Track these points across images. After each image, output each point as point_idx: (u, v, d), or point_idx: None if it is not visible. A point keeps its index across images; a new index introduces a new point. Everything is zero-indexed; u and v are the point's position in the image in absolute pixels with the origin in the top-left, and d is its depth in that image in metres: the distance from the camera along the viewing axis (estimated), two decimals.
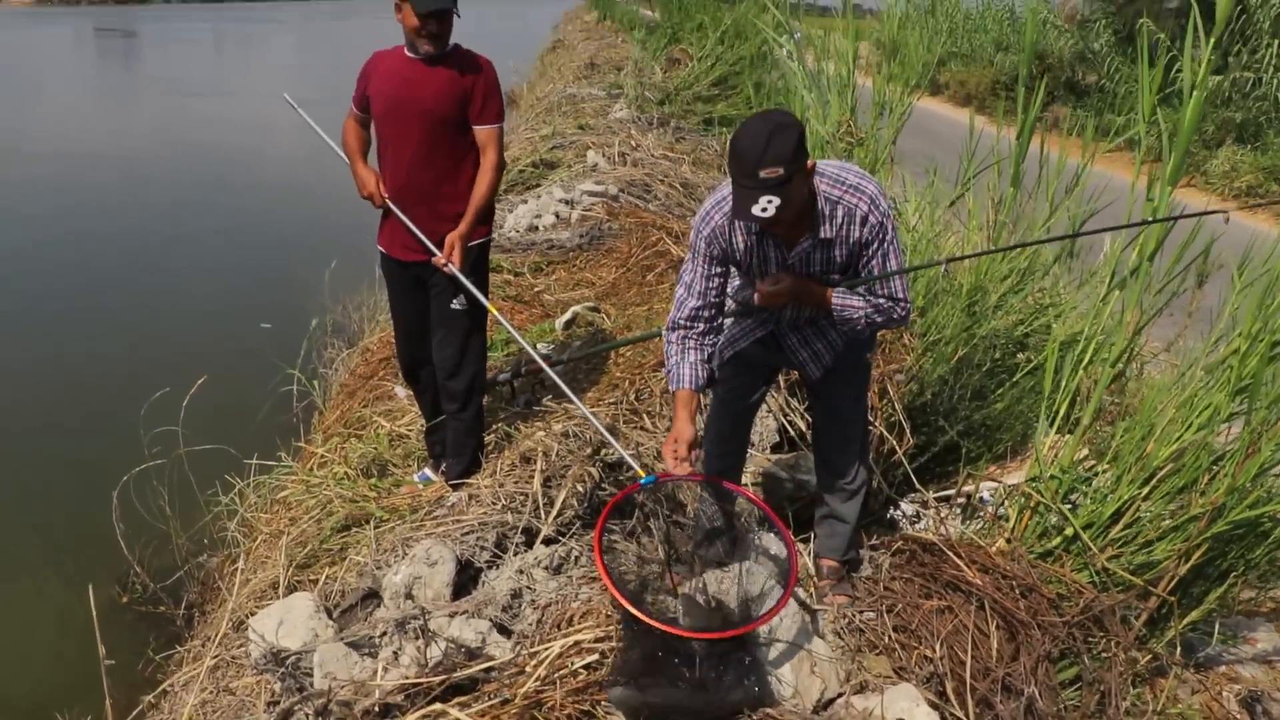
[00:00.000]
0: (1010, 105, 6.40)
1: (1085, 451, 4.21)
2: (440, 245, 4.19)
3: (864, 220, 3.14)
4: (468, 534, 3.77)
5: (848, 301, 3.26)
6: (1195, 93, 3.65)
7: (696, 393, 3.36)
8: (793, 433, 4.80)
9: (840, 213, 3.14)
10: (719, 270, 3.30)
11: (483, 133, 4.23)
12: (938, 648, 3.47)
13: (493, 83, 4.24)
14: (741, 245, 3.24)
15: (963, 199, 6.26)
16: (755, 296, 3.25)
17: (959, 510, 4.59)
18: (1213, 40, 3.73)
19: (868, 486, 3.92)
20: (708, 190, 9.21)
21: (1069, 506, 3.86)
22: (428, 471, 4.74)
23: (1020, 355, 5.83)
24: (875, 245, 3.18)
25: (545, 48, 26.99)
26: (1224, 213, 3.89)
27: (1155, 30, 17.79)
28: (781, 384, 4.90)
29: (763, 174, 2.86)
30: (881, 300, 3.26)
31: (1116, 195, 4.80)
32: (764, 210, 2.87)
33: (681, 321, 3.36)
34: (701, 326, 3.35)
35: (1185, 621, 3.72)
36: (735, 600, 3.31)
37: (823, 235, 3.16)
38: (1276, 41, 16.91)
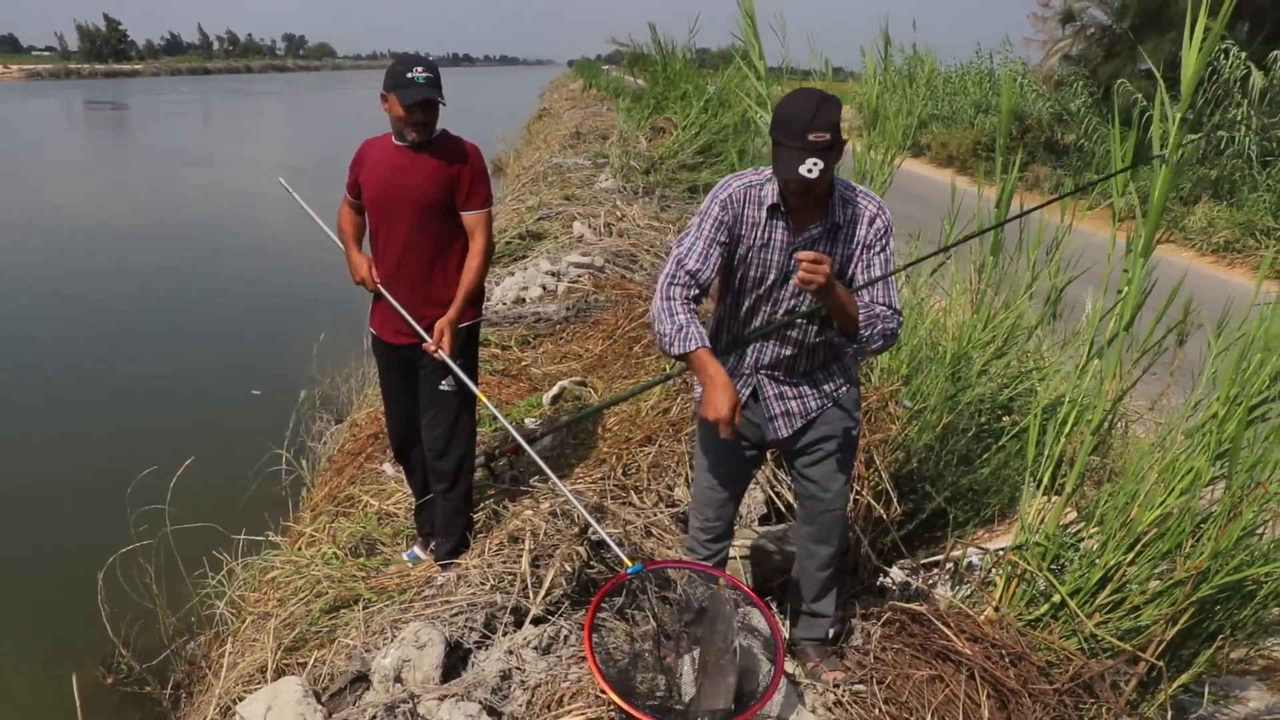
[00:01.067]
0: (991, 165, 6.48)
1: (1071, 515, 4.23)
2: (430, 329, 4.24)
3: (871, 221, 3.24)
4: (456, 615, 3.76)
5: (868, 304, 3.25)
6: (1164, 168, 3.72)
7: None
8: (780, 505, 4.80)
9: (850, 210, 3.24)
10: (723, 241, 3.25)
11: (470, 218, 4.29)
12: (929, 718, 3.47)
13: (480, 169, 4.30)
14: (750, 219, 3.25)
15: (945, 265, 6.33)
16: (797, 277, 3.01)
17: (948, 576, 4.59)
18: (1179, 115, 3.81)
19: (852, 559, 3.93)
20: None
21: (1055, 572, 3.87)
22: (416, 550, 4.74)
23: (1005, 419, 5.85)
24: (878, 249, 3.25)
25: (532, 116, 27.30)
26: (1048, 203, 3.93)
27: (1132, 90, 18.10)
28: (769, 457, 4.92)
29: (811, 137, 2.96)
30: (886, 309, 3.29)
31: (1097, 255, 4.88)
32: (809, 171, 2.96)
33: (682, 278, 3.23)
34: (696, 292, 3.25)
35: (1175, 685, 3.72)
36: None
37: (835, 220, 3.21)
38: (1245, 101, 17.20)
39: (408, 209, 4.21)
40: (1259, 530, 3.83)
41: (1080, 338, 6.09)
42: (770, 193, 3.23)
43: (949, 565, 4.65)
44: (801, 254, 2.99)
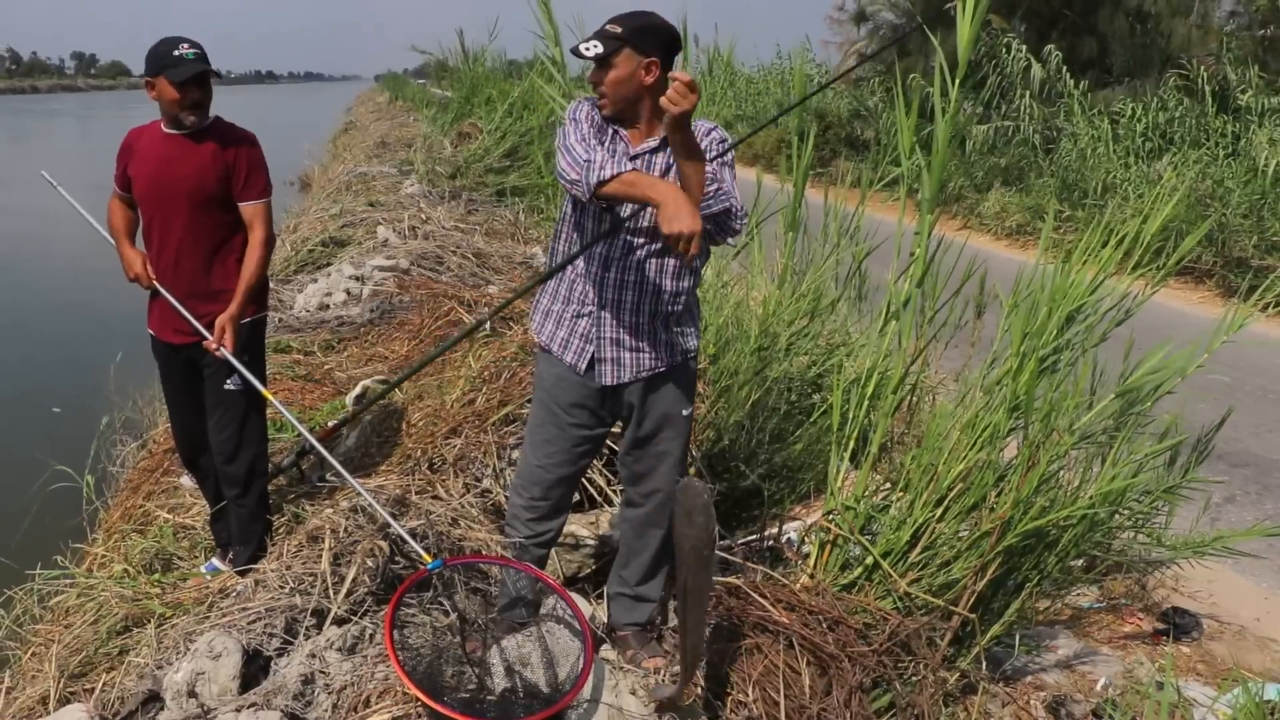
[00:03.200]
0: (786, 162, 6.59)
1: (880, 481, 4.27)
2: (211, 327, 3.98)
3: (707, 134, 3.23)
4: (254, 621, 3.53)
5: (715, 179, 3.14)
6: (945, 119, 3.79)
7: None
8: (591, 490, 4.71)
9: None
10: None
11: (248, 209, 4.06)
12: (750, 691, 3.42)
13: (256, 157, 4.07)
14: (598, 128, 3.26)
15: (749, 249, 6.40)
16: (665, 98, 2.84)
17: (766, 555, 4.58)
18: (958, 79, 3.90)
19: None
20: (502, 259, 9.19)
21: (868, 537, 3.90)
22: (215, 561, 4.48)
23: (816, 396, 5.92)
24: (718, 159, 3.18)
25: (338, 129, 26.68)
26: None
27: (924, 84, 18.79)
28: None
29: (606, 26, 3.13)
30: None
31: (890, 234, 4.98)
32: (587, 49, 3.10)
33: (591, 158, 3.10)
34: None
35: (988, 637, 3.79)
36: (539, 664, 3.22)
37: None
38: (1027, 93, 18.15)
39: (181, 201, 3.95)
40: (1057, 478, 3.95)
41: (882, 313, 6.25)
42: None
43: (767, 541, 4.66)
44: (676, 73, 2.84)
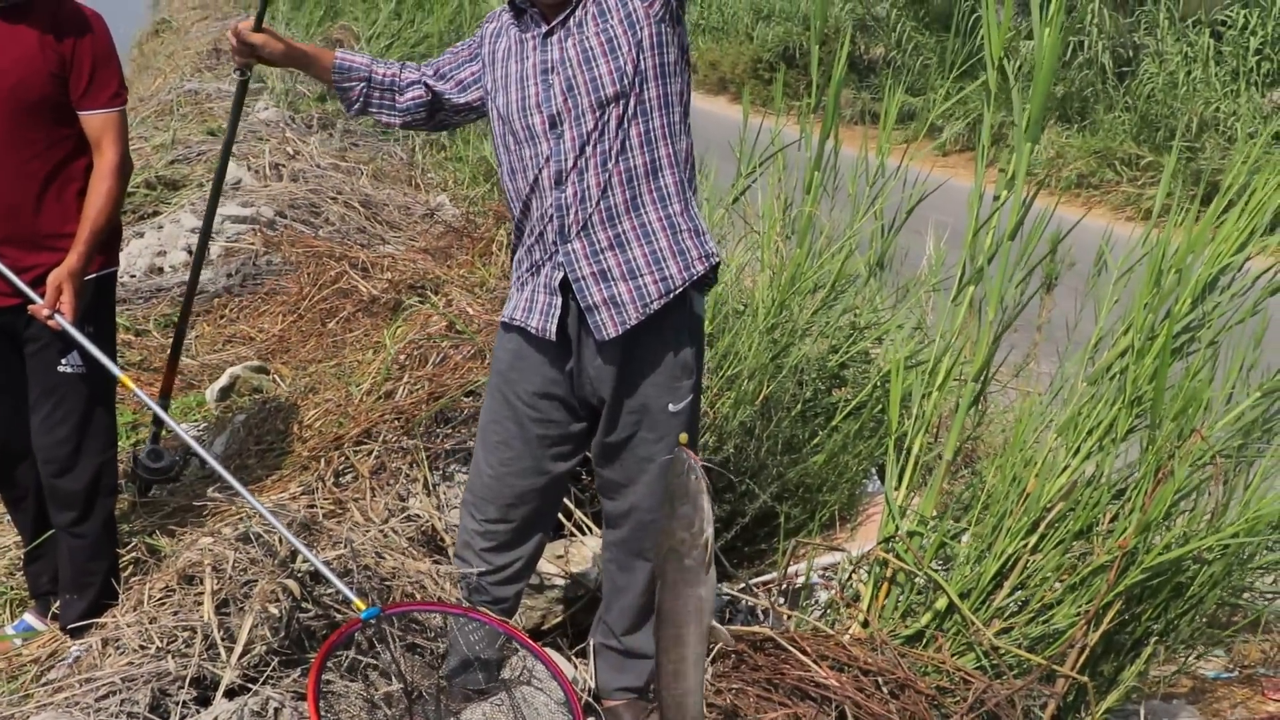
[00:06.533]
0: (774, 90, 6.59)
1: (946, 502, 4.30)
2: (39, 286, 3.89)
3: None
4: (105, 698, 3.46)
5: None
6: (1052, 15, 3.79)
7: (337, 73, 3.59)
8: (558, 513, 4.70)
9: None
10: (472, 61, 3.50)
11: (95, 120, 3.96)
12: None
13: (105, 47, 3.96)
14: (504, 42, 3.39)
15: (743, 202, 6.42)
16: None
17: (782, 597, 4.59)
18: None
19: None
20: (398, 209, 9.13)
21: (938, 569, 3.92)
22: (29, 618, 4.40)
23: (837, 392, 5.93)
24: None
25: (144, 31, 26.29)
26: None
27: None
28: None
29: None
30: None
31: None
32: None
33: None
34: (428, 77, 3.58)
35: (1103, 708, 3.81)
36: None
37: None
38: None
39: None
40: (1195, 495, 3.97)
41: (922, 284, 6.30)
42: None
43: (786, 583, 4.67)
44: None
